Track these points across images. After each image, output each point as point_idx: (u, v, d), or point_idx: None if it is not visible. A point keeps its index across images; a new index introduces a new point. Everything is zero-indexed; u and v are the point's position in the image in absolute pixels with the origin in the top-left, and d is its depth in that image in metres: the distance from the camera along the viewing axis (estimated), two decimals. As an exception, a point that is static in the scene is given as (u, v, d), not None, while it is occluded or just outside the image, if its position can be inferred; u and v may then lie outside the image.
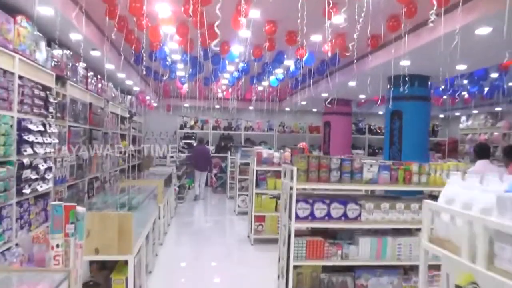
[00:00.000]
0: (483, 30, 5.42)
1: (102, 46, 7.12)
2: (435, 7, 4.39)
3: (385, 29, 6.04)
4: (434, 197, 5.52)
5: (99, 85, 8.90)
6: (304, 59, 7.54)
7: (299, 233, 4.59)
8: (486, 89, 10.84)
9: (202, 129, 16.55)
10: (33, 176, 5.21)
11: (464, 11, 4.85)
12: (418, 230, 4.72)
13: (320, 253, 4.50)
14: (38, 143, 5.31)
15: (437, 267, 4.48)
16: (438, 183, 4.73)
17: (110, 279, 3.76)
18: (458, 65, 7.63)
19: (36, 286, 1.96)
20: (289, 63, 8.82)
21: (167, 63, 8.25)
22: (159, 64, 8.37)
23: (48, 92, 5.80)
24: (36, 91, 5.41)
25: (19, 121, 4.89)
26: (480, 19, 5.03)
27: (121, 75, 9.48)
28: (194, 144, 14.94)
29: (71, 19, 5.29)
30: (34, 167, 5.24)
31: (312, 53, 7.60)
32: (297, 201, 4.42)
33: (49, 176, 5.73)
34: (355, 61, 6.69)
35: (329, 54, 6.84)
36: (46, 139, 5.56)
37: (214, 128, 16.63)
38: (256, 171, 7.51)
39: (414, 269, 4.76)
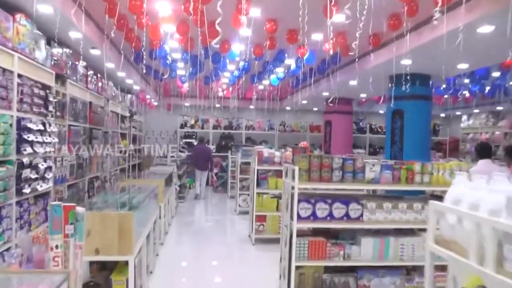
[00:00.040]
0: (486, 29, 5.38)
1: (102, 45, 7.08)
2: (439, 4, 4.35)
3: (386, 27, 6.01)
4: (436, 196, 5.50)
5: (99, 84, 8.87)
6: (305, 58, 7.50)
7: (300, 233, 4.55)
8: (488, 88, 10.81)
9: (202, 128, 16.52)
10: (33, 176, 5.18)
11: (466, 10, 4.81)
12: (421, 230, 4.69)
13: (322, 254, 4.46)
14: (38, 142, 5.27)
15: (439, 268, 4.48)
16: (440, 182, 4.69)
17: (111, 280, 3.72)
18: (460, 64, 7.60)
19: (35, 288, 1.93)
20: (290, 62, 8.78)
21: (168, 61, 8.21)
22: (159, 63, 8.34)
23: (47, 91, 5.76)
24: (36, 90, 5.37)
25: (19, 120, 4.85)
26: (483, 17, 4.99)
27: (121, 74, 9.45)
28: (195, 143, 14.91)
29: (71, 17, 5.24)
30: (34, 167, 5.20)
31: (313, 52, 7.57)
32: (299, 201, 4.39)
33: (49, 175, 5.70)
34: (356, 60, 6.64)
35: (331, 52, 6.78)
36: (46, 138, 5.52)
37: (215, 127, 16.60)
38: (257, 170, 7.47)
39: (416, 269, 4.73)
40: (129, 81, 10.85)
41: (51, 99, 5.83)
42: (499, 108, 13.83)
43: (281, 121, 16.94)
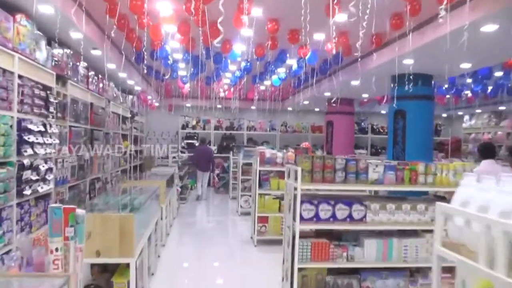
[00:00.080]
0: (489, 28, 5.34)
1: (102, 45, 7.05)
2: (444, 2, 4.31)
3: (389, 27, 5.97)
4: (439, 197, 5.46)
5: (100, 85, 8.84)
6: (307, 57, 7.47)
7: (303, 235, 4.51)
8: (490, 88, 10.76)
9: (204, 129, 16.49)
10: (34, 177, 5.15)
11: (470, 8, 4.76)
12: (425, 231, 4.65)
13: (325, 255, 4.41)
14: (38, 143, 5.24)
15: (443, 270, 4.44)
16: (444, 183, 4.65)
17: (112, 282, 3.69)
18: (463, 63, 7.55)
19: (35, 291, 1.90)
20: (292, 62, 8.75)
21: (169, 61, 8.18)
22: (160, 63, 8.31)
23: (48, 92, 5.73)
24: (37, 91, 5.34)
25: (19, 121, 4.82)
26: (487, 16, 4.95)
27: (122, 75, 9.42)
28: (196, 144, 14.88)
29: (71, 18, 5.21)
30: (34, 168, 5.17)
31: (315, 52, 7.53)
32: (302, 202, 4.35)
33: (50, 177, 5.67)
34: (359, 59, 6.60)
35: (334, 51, 6.75)
36: (47, 140, 5.49)
37: (216, 128, 16.57)
38: (259, 171, 7.43)
39: (420, 271, 4.69)
40: (130, 82, 10.82)
41: (51, 100, 5.80)
42: (502, 108, 13.77)
43: (282, 122, 16.91)
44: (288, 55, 8.21)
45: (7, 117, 4.52)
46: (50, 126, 5.65)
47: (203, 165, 12.49)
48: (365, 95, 12.85)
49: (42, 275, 2.12)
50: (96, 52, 7.37)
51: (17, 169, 4.73)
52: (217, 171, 14.44)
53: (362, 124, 16.91)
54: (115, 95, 10.36)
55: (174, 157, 13.43)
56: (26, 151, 4.89)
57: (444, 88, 11.23)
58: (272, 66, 8.96)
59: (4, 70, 4.52)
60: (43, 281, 2.03)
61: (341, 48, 7.12)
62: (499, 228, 1.71)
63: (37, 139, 5.17)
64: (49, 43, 5.85)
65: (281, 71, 9.63)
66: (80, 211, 2.24)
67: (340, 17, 5.68)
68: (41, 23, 5.42)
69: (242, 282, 5.72)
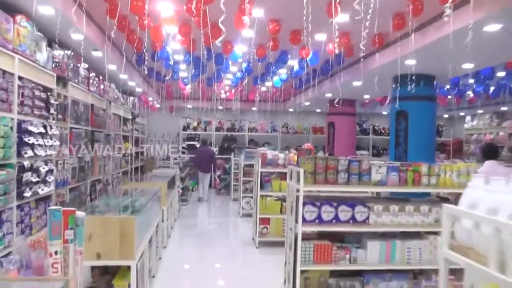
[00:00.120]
0: (493, 27, 5.30)
1: (103, 46, 7.02)
2: (450, 0, 4.27)
3: (391, 27, 5.93)
4: (442, 198, 5.42)
5: (101, 86, 8.81)
6: (308, 58, 7.43)
7: (305, 237, 4.47)
8: (492, 88, 10.71)
9: (205, 130, 16.46)
10: (34, 179, 5.12)
11: (473, 8, 4.72)
12: (428, 233, 4.61)
13: (328, 257, 4.37)
14: (39, 145, 5.22)
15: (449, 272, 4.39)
16: (448, 184, 4.61)
17: (112, 285, 3.65)
18: (465, 63, 7.51)
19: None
20: (293, 63, 8.71)
21: (170, 62, 8.15)
22: (161, 64, 8.28)
23: (49, 93, 5.71)
24: (37, 92, 5.32)
25: (19, 122, 4.80)
26: (490, 15, 4.91)
27: (123, 76, 9.39)
28: (197, 146, 14.86)
29: (72, 19, 5.18)
30: (35, 170, 5.14)
31: (316, 52, 7.49)
32: (304, 203, 4.30)
33: (51, 178, 5.64)
34: (362, 59, 6.57)
35: (336, 51, 6.71)
36: (47, 141, 5.47)
37: (217, 129, 16.54)
38: (261, 172, 7.39)
39: (423, 273, 4.64)
40: (131, 83, 10.80)
41: (52, 101, 5.78)
42: (504, 108, 13.71)
43: (284, 123, 16.88)
44: (289, 56, 8.18)
45: (7, 119, 4.50)
46: (51, 127, 5.63)
47: (204, 167, 12.46)
48: (366, 96, 12.81)
49: (41, 279, 2.09)
50: (97, 54, 7.35)
51: (17, 171, 4.70)
52: (218, 173, 14.41)
53: (364, 125, 16.86)
54: (116, 96, 10.34)
55: (175, 159, 13.39)
56: (26, 153, 4.87)
57: (445, 88, 11.18)
58: (274, 67, 8.92)
59: (4, 72, 4.49)
60: (42, 285, 2.00)
61: (343, 49, 7.09)
62: (510, 231, 1.66)
63: (37, 140, 5.14)
64: (49, 45, 5.82)
65: (282, 72, 9.59)
66: (80, 214, 2.21)
67: (342, 17, 5.65)
68: (41, 24, 5.39)
69: (243, 284, 5.68)
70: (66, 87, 6.61)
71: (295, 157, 7.27)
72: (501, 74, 9.00)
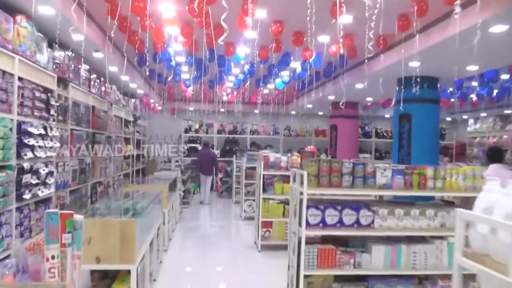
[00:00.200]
0: (498, 28, 5.23)
1: (104, 48, 6.97)
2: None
3: (395, 28, 5.86)
4: (447, 202, 5.34)
5: (103, 88, 8.76)
6: (311, 60, 7.37)
7: (309, 241, 4.38)
8: (496, 91, 10.62)
9: (207, 133, 16.40)
10: (34, 181, 5.05)
11: (478, 9, 4.65)
12: (434, 237, 4.53)
13: (332, 262, 4.29)
14: (39, 146, 5.16)
15: (449, 276, 4.31)
16: (454, 188, 4.53)
17: (112, 289, 3.58)
18: (470, 65, 7.44)
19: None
20: (296, 65, 8.65)
21: (172, 63, 8.09)
22: (163, 66, 8.22)
23: (49, 95, 5.65)
24: (37, 93, 5.26)
25: (19, 124, 4.74)
26: (496, 16, 4.84)
27: (124, 78, 9.34)
28: (199, 148, 14.80)
29: (73, 19, 5.12)
30: (34, 172, 5.08)
31: (319, 54, 7.43)
32: (308, 207, 4.22)
33: (51, 180, 5.58)
34: (366, 61, 6.49)
35: (340, 52, 6.64)
36: (48, 143, 5.41)
37: (219, 132, 16.49)
38: (263, 175, 7.32)
39: (429, 278, 4.56)
40: (132, 85, 10.75)
41: (53, 102, 5.72)
42: (507, 111, 13.61)
43: (286, 126, 16.81)
44: (292, 57, 8.11)
45: (7, 120, 4.44)
46: (51, 129, 5.57)
47: (206, 169, 12.40)
48: (369, 99, 12.74)
49: (38, 284, 2.02)
50: (98, 55, 7.29)
51: (17, 172, 4.64)
52: (220, 175, 14.34)
53: (366, 128, 16.79)
54: (117, 98, 10.30)
55: (176, 161, 13.33)
56: (26, 155, 4.81)
57: (449, 91, 11.10)
58: (276, 69, 8.86)
59: (4, 72, 4.44)
60: (39, 291, 1.93)
61: (346, 51, 7.02)
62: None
63: (37, 142, 5.08)
64: (50, 45, 5.77)
65: (285, 74, 9.53)
66: (78, 217, 2.14)
67: (345, 19, 5.59)
68: (42, 25, 5.34)
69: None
70: (67, 89, 6.56)
71: (298, 159, 7.20)
72: (505, 76, 8.92)
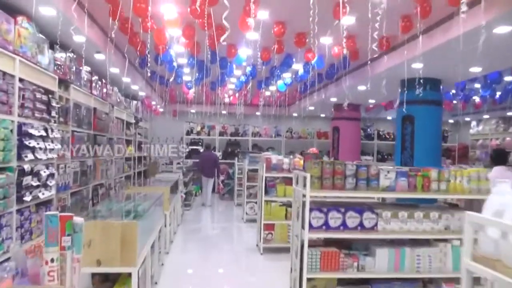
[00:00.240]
0: (503, 29, 5.18)
1: (106, 49, 6.94)
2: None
3: (399, 29, 5.82)
4: (451, 204, 5.29)
5: (104, 90, 8.74)
6: (313, 61, 7.33)
7: (311, 243, 4.35)
8: (499, 93, 10.56)
9: (208, 135, 16.38)
10: (34, 183, 5.02)
11: (482, 10, 4.61)
12: (437, 240, 4.49)
13: (335, 265, 4.24)
14: (40, 148, 5.12)
15: (453, 280, 4.26)
16: (458, 190, 4.48)
17: (113, 292, 3.54)
18: (473, 67, 7.39)
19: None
20: (298, 66, 8.61)
21: (174, 64, 8.06)
22: (165, 68, 8.19)
23: (50, 96, 5.63)
24: (38, 95, 5.23)
25: (20, 125, 4.71)
26: (500, 17, 4.80)
27: (126, 80, 9.32)
28: (201, 150, 14.77)
29: (74, 20, 5.09)
30: (35, 174, 5.05)
31: (322, 56, 7.39)
32: (311, 209, 4.18)
33: (52, 182, 5.54)
34: (369, 62, 6.45)
35: (343, 53, 6.60)
36: (49, 145, 5.38)
37: (221, 134, 16.46)
38: (265, 177, 7.27)
39: (433, 281, 4.51)
40: (134, 87, 10.73)
41: (54, 104, 5.69)
42: (510, 113, 13.54)
43: (288, 128, 16.78)
44: (294, 59, 8.08)
45: (7, 121, 4.41)
46: (52, 130, 5.54)
47: (207, 171, 12.37)
48: (371, 101, 12.69)
49: (36, 288, 1.98)
50: (99, 56, 7.26)
51: (17, 174, 4.61)
52: (222, 177, 14.31)
53: (368, 130, 16.74)
54: (119, 100, 10.27)
55: (178, 163, 13.30)
56: (26, 156, 4.77)
57: (451, 93, 11.05)
58: (278, 71, 8.82)
59: (5, 73, 4.41)
60: (38, 294, 1.89)
61: (349, 52, 6.98)
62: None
63: (38, 144, 5.05)
64: (51, 47, 5.74)
65: (287, 76, 9.50)
66: (78, 219, 2.11)
67: (348, 20, 5.55)
68: (43, 26, 5.32)
69: (248, 291, 5.57)
70: (68, 90, 6.53)
71: (301, 161, 7.16)
72: (508, 78, 8.87)
